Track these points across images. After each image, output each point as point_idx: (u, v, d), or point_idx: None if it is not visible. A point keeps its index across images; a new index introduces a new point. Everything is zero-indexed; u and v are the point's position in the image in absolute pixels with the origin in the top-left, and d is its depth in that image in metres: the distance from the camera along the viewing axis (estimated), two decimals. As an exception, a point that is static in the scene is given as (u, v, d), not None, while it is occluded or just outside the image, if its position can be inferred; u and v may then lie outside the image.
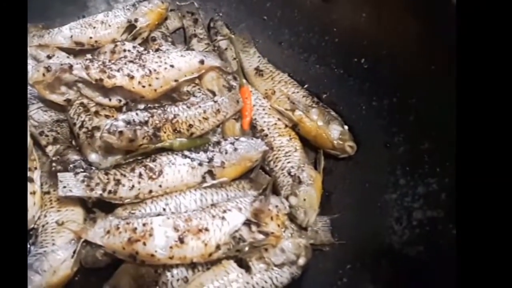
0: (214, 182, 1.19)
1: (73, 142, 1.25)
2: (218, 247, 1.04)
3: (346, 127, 1.34)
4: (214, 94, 1.36)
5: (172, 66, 1.26)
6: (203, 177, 1.19)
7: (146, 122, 1.17)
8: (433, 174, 1.18)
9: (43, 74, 1.16)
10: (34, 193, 1.11)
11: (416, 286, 1.07)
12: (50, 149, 1.20)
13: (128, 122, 1.14)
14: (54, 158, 1.16)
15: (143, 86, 1.21)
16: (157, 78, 1.23)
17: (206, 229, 1.04)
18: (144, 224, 1.05)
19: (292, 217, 1.19)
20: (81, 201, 1.15)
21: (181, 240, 1.02)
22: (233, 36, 1.51)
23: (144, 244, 1.02)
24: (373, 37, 1.40)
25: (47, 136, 1.21)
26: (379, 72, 1.38)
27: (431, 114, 1.24)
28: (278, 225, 1.08)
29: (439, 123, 1.21)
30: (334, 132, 1.31)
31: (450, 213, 1.11)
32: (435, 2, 1.21)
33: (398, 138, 1.29)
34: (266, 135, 1.32)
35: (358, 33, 1.43)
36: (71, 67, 1.17)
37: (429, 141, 1.22)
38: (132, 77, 1.19)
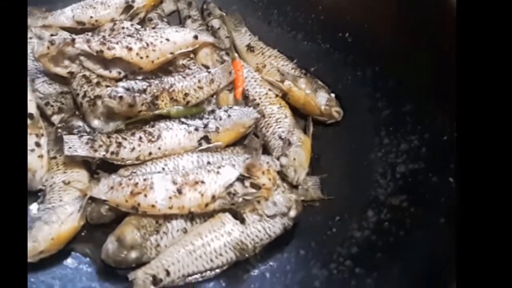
0: (210, 145, 1.27)
1: (77, 112, 1.33)
2: (213, 197, 1.12)
3: (332, 94, 1.42)
4: (208, 68, 1.44)
5: (167, 39, 1.35)
6: (199, 143, 1.27)
7: (144, 90, 1.25)
8: (414, 132, 1.27)
9: (48, 47, 1.24)
10: (41, 156, 1.19)
11: (399, 232, 1.14)
12: (56, 118, 1.28)
13: (127, 89, 1.23)
14: (59, 125, 1.24)
15: (141, 58, 1.29)
16: (153, 50, 1.31)
17: (202, 182, 1.12)
18: (145, 179, 1.13)
19: (283, 176, 1.27)
20: (85, 164, 1.22)
21: (179, 191, 1.10)
22: (225, 14, 1.60)
23: (145, 196, 1.10)
24: (356, 13, 1.50)
25: (52, 106, 1.29)
26: (362, 44, 1.47)
27: (410, 79, 1.34)
28: (269, 179, 1.16)
29: (418, 86, 1.31)
30: (321, 99, 1.39)
31: (429, 164, 1.19)
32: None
33: (382, 102, 1.38)
34: (258, 104, 1.40)
35: (341, 9, 1.53)
36: (73, 40, 1.25)
37: (409, 103, 1.31)
38: (130, 49, 1.28)
